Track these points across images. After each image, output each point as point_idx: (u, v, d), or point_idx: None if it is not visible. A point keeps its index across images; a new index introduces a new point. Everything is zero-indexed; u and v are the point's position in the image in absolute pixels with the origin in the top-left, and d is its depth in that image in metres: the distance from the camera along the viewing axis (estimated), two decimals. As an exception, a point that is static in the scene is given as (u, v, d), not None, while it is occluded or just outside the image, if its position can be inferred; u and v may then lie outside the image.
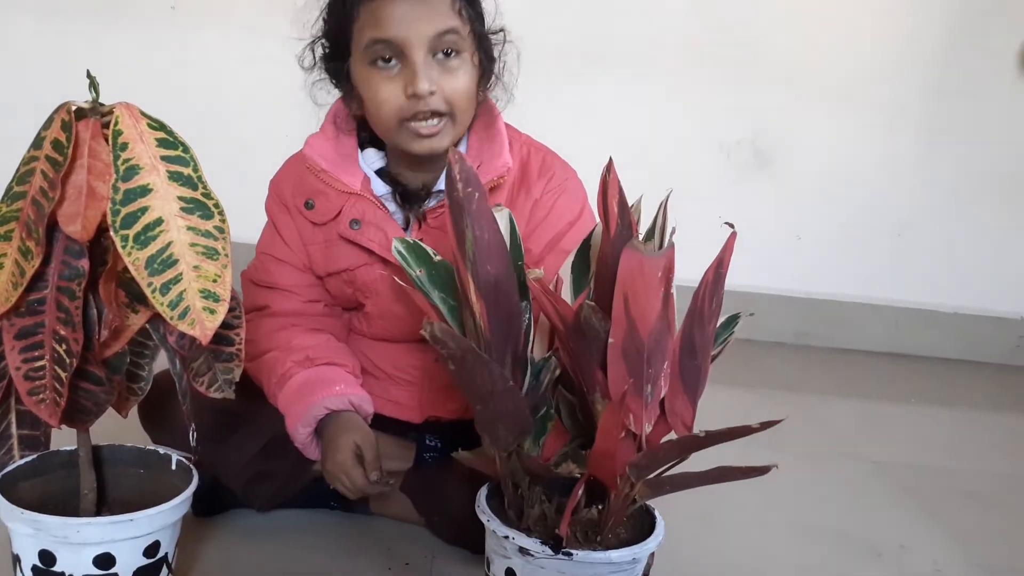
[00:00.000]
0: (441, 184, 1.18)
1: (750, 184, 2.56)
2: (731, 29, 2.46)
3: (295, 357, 1.19)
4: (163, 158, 0.89)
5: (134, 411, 1.07)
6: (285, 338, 1.22)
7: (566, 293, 1.05)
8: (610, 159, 0.96)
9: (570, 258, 1.07)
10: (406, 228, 1.21)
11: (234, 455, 1.22)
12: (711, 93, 2.49)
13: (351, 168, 1.20)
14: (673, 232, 0.92)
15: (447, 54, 1.13)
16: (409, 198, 1.21)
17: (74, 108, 0.87)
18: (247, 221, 1.30)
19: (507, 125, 1.25)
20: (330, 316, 1.27)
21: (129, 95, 0.92)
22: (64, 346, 0.89)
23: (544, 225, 1.21)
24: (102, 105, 0.89)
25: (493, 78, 1.21)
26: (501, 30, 1.21)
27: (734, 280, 2.78)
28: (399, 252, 1.04)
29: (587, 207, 1.23)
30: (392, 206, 1.21)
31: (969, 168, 2.57)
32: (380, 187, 1.21)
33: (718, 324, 0.99)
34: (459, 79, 1.13)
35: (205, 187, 0.91)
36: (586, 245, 1.07)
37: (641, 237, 0.96)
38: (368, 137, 1.23)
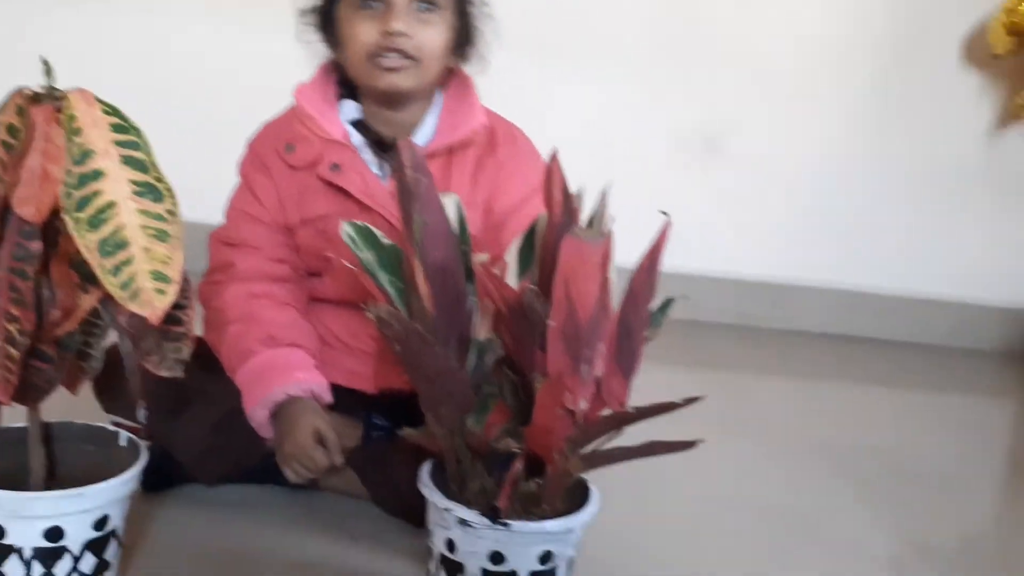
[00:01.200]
0: (416, 138, 1.28)
1: (701, 172, 2.61)
2: (683, 16, 2.50)
3: (258, 334, 1.22)
4: (116, 143, 0.91)
5: (84, 388, 1.09)
6: (250, 311, 1.24)
7: (511, 277, 1.10)
8: (554, 149, 1.01)
9: (515, 243, 1.12)
10: (382, 177, 1.27)
11: (187, 429, 1.24)
12: (663, 81, 2.53)
13: (333, 118, 1.28)
14: (612, 221, 0.97)
15: (426, 7, 1.23)
16: (384, 149, 1.28)
17: (29, 93, 0.89)
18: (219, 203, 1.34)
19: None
20: (293, 281, 1.30)
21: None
22: (16, 325, 0.91)
23: (508, 187, 1.29)
24: (57, 90, 0.91)
25: (469, 46, 1.31)
26: (483, 3, 1.31)
27: (683, 263, 2.84)
28: (348, 235, 1.07)
29: None
30: (368, 156, 1.28)
31: (917, 157, 2.64)
32: (357, 138, 1.29)
33: (654, 308, 1.04)
34: (432, 32, 1.24)
35: (157, 171, 0.93)
36: (531, 231, 1.11)
37: (583, 225, 1.01)
38: (346, 92, 1.31)
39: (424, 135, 1.29)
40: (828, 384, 2.30)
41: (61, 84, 0.91)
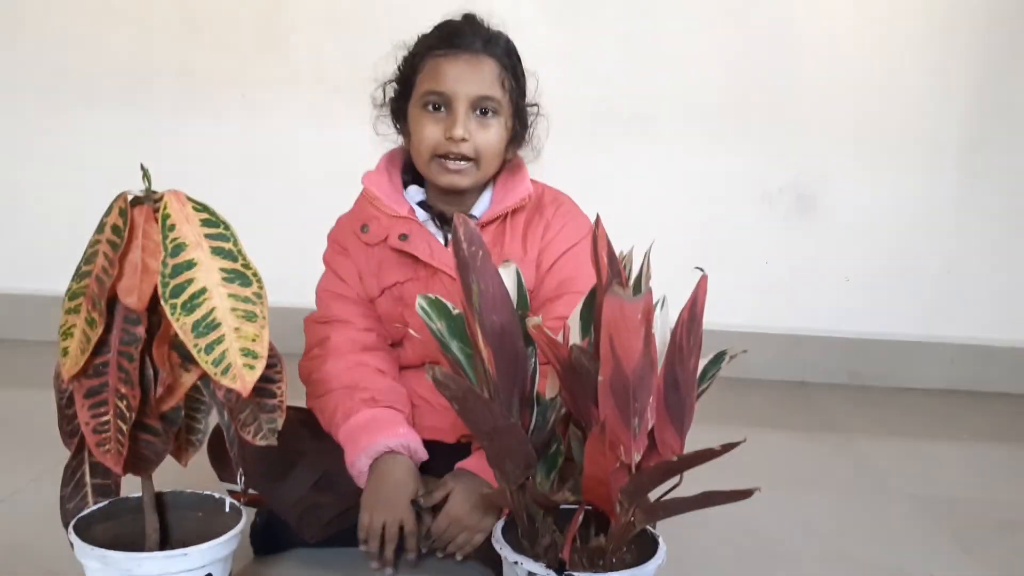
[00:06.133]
0: (473, 210, 1.43)
1: (795, 229, 2.62)
2: (765, 77, 2.55)
3: (362, 396, 1.36)
4: (206, 235, 1.03)
5: (195, 460, 1.20)
6: (352, 379, 1.38)
7: (574, 337, 1.16)
8: (597, 216, 1.07)
9: (578, 306, 1.18)
10: (446, 244, 1.41)
11: (290, 489, 1.36)
12: (749, 143, 2.57)
13: (399, 199, 1.44)
14: (649, 278, 1.02)
15: (484, 113, 1.37)
16: (445, 221, 1.43)
17: (130, 197, 1.03)
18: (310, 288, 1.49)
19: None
20: (383, 349, 1.45)
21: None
22: (125, 402, 1.03)
23: (554, 243, 1.42)
24: (155, 192, 1.04)
25: (523, 142, 1.46)
26: (535, 105, 1.47)
27: (786, 323, 2.83)
28: (422, 308, 1.16)
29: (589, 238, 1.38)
30: (433, 228, 1.43)
31: (1009, 203, 2.59)
32: (422, 215, 1.44)
33: (705, 361, 1.08)
34: (490, 135, 1.38)
35: (244, 259, 1.04)
36: (592, 294, 1.17)
37: (630, 285, 1.06)
38: (410, 179, 1.47)
39: (480, 208, 1.44)
40: (935, 441, 2.21)
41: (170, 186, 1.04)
